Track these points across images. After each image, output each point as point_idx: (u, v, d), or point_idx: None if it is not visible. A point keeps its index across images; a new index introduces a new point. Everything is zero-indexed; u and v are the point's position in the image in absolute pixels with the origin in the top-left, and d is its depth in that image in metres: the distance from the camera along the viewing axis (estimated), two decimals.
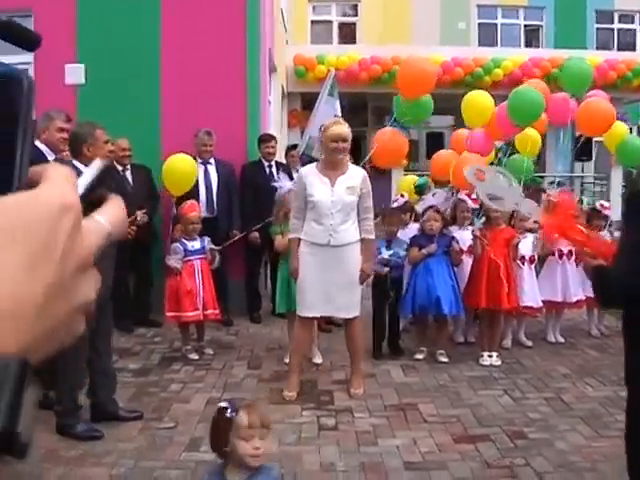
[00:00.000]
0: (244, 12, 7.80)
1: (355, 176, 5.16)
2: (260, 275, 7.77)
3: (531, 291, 6.64)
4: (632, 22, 21.89)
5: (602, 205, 7.10)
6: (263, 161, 7.60)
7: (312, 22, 20.77)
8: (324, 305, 5.14)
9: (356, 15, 20.92)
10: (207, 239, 6.39)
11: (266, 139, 7.62)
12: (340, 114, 7.38)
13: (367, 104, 18.28)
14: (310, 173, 5.17)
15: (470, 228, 6.46)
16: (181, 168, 6.96)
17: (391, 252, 6.23)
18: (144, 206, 6.99)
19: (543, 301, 6.73)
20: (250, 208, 7.22)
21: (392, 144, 6.90)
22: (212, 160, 7.41)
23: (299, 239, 5.16)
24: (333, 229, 5.04)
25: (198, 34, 7.75)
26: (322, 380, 5.60)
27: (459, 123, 19.83)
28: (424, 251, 6.15)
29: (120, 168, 7.20)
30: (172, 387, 5.46)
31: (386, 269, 6.18)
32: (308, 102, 16.96)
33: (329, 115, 7.20)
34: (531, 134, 7.48)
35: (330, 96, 7.89)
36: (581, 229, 3.81)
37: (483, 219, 6.30)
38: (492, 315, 6.25)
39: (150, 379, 5.65)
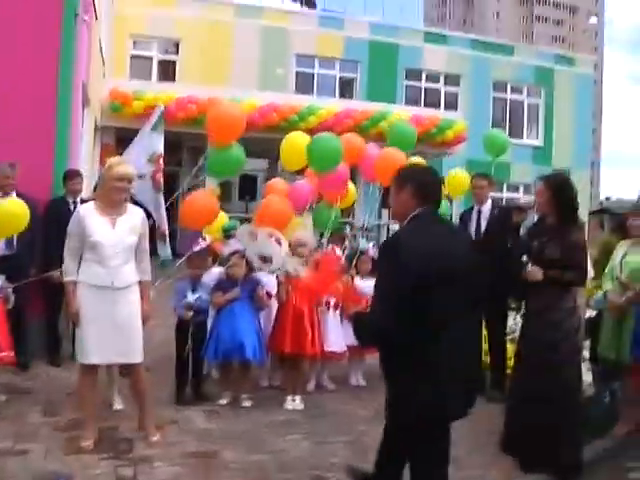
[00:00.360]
0: (58, 42, 7.55)
1: (135, 216, 5.13)
2: (61, 315, 7.40)
3: (335, 336, 6.85)
4: (438, 81, 23.60)
5: None
6: (68, 198, 7.33)
7: (132, 57, 20.48)
8: (105, 351, 4.96)
9: (177, 53, 20.89)
10: (2, 277, 6.04)
11: (71, 175, 7.36)
12: (161, 151, 7.25)
13: (182, 144, 18.21)
14: (89, 212, 5.00)
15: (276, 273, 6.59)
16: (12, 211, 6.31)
17: (196, 296, 6.21)
18: None
19: (347, 346, 6.97)
20: (53, 245, 6.87)
21: (202, 208, 6.82)
22: (13, 194, 7.05)
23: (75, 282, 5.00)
24: (115, 270, 4.94)
25: (6, 62, 7.39)
26: (123, 427, 5.40)
27: (273, 167, 20.28)
28: (227, 296, 6.20)
29: None
30: None
31: (190, 313, 6.15)
32: (122, 137, 16.62)
33: (147, 151, 7.11)
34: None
35: (153, 131, 7.69)
36: (339, 285, 4.11)
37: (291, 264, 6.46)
38: (296, 359, 6.39)
39: None
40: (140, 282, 5.13)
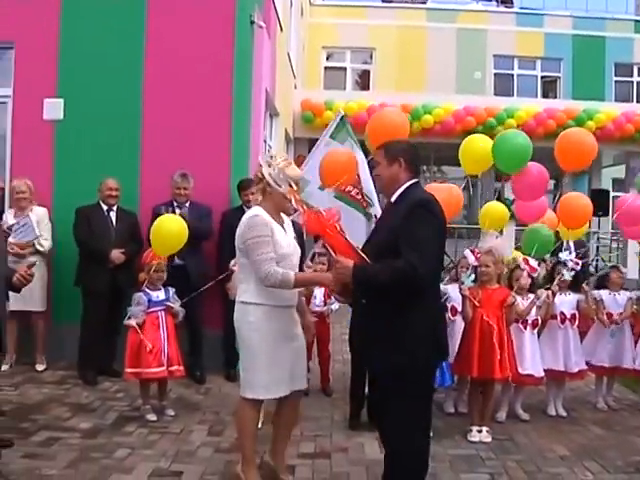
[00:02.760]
0: (232, 52, 7.36)
1: (290, 223, 4.45)
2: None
3: (532, 358, 5.99)
4: None
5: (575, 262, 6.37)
6: (244, 208, 7.07)
7: (326, 68, 20.57)
8: (290, 382, 4.23)
9: (371, 62, 20.68)
10: (172, 290, 5.88)
11: (245, 185, 7.07)
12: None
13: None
14: (269, 219, 4.17)
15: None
16: (172, 230, 5.98)
17: None
18: (124, 247, 6.80)
19: (545, 370, 6.09)
20: (226, 256, 6.60)
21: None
22: (187, 204, 6.95)
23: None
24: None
25: (183, 73, 7.35)
26: (287, 452, 4.90)
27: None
28: None
29: (105, 208, 6.94)
30: (118, 453, 4.86)
31: None
32: None
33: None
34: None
35: (332, 139, 7.27)
36: (338, 231, 3.92)
37: (472, 276, 5.70)
38: (484, 384, 5.62)
39: (97, 442, 5.08)
40: None
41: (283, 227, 4.27)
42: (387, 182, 3.83)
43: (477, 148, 6.36)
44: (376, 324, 3.62)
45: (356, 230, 6.48)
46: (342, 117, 7.31)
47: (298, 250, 4.38)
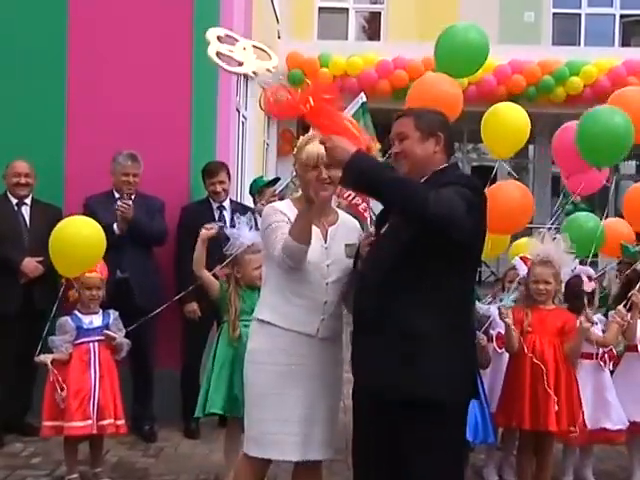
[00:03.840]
0: None
1: (351, 227, 4.40)
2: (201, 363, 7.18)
3: (608, 405, 5.96)
4: None
5: None
6: (211, 201, 7.20)
7: (320, 10, 20.57)
8: (301, 444, 4.18)
9: (382, 2, 20.75)
10: (113, 314, 5.94)
11: (212, 171, 7.18)
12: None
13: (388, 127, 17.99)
14: (291, 213, 4.18)
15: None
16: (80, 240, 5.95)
17: None
18: (42, 255, 6.64)
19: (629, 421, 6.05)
20: (188, 267, 6.62)
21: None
22: (133, 197, 7.01)
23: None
24: (327, 311, 4.19)
25: (123, 14, 7.44)
26: None
27: (522, 154, 19.48)
28: None
29: (14, 201, 6.95)
30: None
31: None
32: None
33: None
34: None
35: None
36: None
37: (515, 294, 5.76)
38: (539, 441, 5.69)
39: None
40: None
41: (322, 230, 4.25)
42: (417, 164, 3.76)
43: (503, 122, 6.61)
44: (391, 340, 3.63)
45: None
46: (363, 103, 7.61)
47: (345, 263, 4.24)
